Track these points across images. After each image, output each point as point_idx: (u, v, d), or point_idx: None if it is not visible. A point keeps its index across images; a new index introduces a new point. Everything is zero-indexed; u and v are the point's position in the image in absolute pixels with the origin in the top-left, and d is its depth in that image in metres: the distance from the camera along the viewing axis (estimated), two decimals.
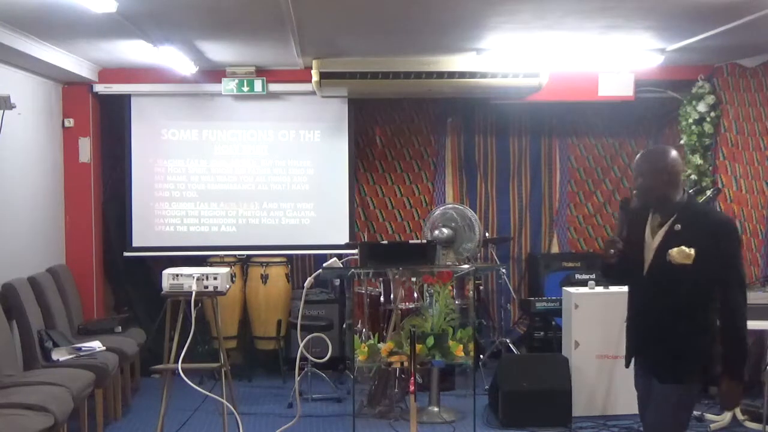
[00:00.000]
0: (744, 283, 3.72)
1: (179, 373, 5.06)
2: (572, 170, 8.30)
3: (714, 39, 5.80)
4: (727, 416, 5.89)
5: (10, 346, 5.54)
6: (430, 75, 6.75)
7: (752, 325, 5.76)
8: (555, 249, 8.28)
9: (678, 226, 3.68)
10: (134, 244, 7.55)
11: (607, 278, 4.74)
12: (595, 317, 6.09)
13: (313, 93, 7.20)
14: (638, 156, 3.81)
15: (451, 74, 6.74)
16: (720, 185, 6.99)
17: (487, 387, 6.56)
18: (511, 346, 7.41)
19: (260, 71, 7.29)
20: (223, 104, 7.58)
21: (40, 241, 6.77)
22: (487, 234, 7.64)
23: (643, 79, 7.28)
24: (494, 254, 7.61)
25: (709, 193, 6.21)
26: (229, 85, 7.27)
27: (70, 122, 7.28)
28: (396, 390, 6.19)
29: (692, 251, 3.62)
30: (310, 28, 5.56)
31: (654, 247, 3.71)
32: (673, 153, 3.73)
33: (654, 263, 3.70)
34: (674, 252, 3.66)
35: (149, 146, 7.56)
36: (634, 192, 3.87)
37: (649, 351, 3.79)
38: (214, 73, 7.24)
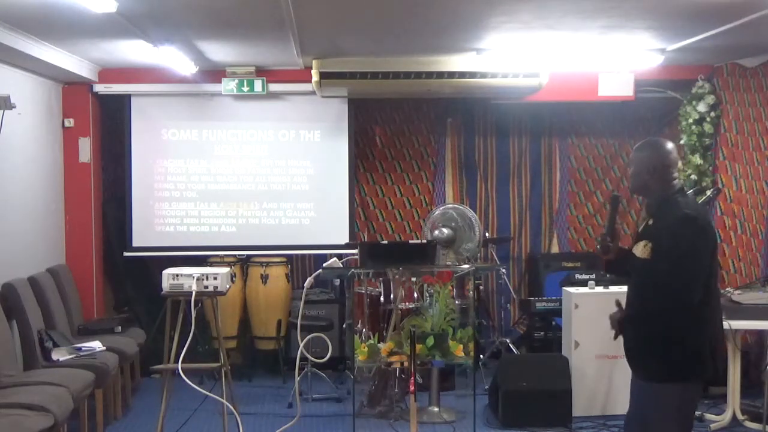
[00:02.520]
0: (675, 287, 3.49)
1: (179, 373, 5.07)
2: (572, 170, 8.30)
3: (714, 39, 5.80)
4: (727, 416, 5.89)
5: (10, 346, 5.54)
6: (430, 75, 6.75)
7: (752, 325, 5.83)
8: (555, 249, 8.27)
9: (651, 221, 3.71)
10: (134, 244, 7.55)
11: (610, 274, 4.71)
12: (595, 317, 6.07)
13: (313, 93, 7.19)
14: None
15: (451, 74, 6.74)
16: (720, 185, 6.99)
17: (487, 387, 6.56)
18: (511, 346, 7.41)
19: (260, 71, 7.29)
20: (223, 104, 7.58)
21: (40, 241, 6.77)
22: (487, 234, 7.64)
23: (643, 79, 7.27)
24: (494, 254, 7.61)
25: (709, 193, 6.22)
26: (229, 85, 7.26)
27: (70, 122, 7.28)
28: (396, 390, 6.18)
29: (649, 246, 3.61)
30: (310, 28, 5.56)
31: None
32: (666, 146, 3.73)
33: (632, 257, 3.73)
34: (637, 246, 3.67)
35: (149, 146, 7.56)
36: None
37: (626, 346, 3.81)
38: (214, 73, 7.23)
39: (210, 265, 6.97)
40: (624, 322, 3.75)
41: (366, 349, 5.04)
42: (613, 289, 6.09)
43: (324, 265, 5.50)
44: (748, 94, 7.04)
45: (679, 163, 7.19)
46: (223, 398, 5.32)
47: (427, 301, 5.58)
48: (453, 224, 7.05)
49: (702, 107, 7.11)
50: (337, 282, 7.43)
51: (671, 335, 3.57)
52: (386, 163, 8.17)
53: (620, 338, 3.81)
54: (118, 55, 6.50)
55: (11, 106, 5.31)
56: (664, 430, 3.68)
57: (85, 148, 7.32)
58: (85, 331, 6.54)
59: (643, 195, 3.86)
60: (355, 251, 6.24)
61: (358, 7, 4.93)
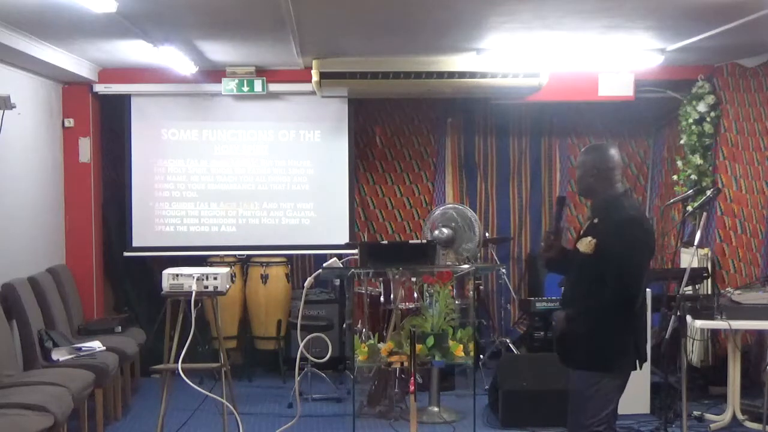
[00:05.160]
0: (622, 283, 3.73)
1: (179, 373, 5.07)
2: (572, 170, 8.28)
3: (714, 39, 5.80)
4: (727, 416, 5.89)
5: (10, 346, 5.54)
6: (430, 75, 6.75)
7: (752, 325, 5.83)
8: None
9: (596, 219, 3.88)
10: (134, 244, 7.55)
11: (550, 271, 4.97)
12: None
13: (313, 93, 7.20)
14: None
15: (451, 74, 6.73)
16: (720, 185, 6.99)
17: (487, 387, 6.56)
18: (511, 346, 7.40)
19: (260, 71, 7.29)
20: (223, 104, 7.58)
21: (40, 241, 6.76)
22: (487, 234, 7.65)
23: (643, 79, 7.27)
24: (494, 254, 7.61)
25: (709, 193, 6.19)
26: (229, 85, 7.26)
27: (70, 122, 7.28)
28: (396, 390, 6.19)
29: (593, 241, 3.77)
30: (310, 28, 5.56)
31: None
32: (609, 150, 3.92)
33: (574, 254, 3.91)
34: (581, 242, 3.85)
35: (149, 146, 7.56)
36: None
37: (561, 337, 3.98)
38: (214, 73, 7.24)
39: (210, 265, 6.97)
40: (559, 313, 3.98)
41: (366, 349, 5.04)
42: None
43: (324, 265, 5.50)
44: (748, 94, 7.04)
45: (679, 165, 7.24)
46: (223, 398, 5.32)
47: (427, 301, 5.57)
48: (453, 224, 7.05)
49: (702, 107, 7.11)
50: (337, 282, 7.42)
51: (602, 329, 3.76)
52: (386, 163, 8.18)
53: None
54: (118, 55, 6.50)
55: (11, 106, 5.31)
56: (577, 411, 3.89)
57: (85, 148, 7.32)
58: (85, 331, 6.55)
59: (589, 197, 4.03)
60: (355, 251, 6.24)
61: (358, 7, 4.93)
